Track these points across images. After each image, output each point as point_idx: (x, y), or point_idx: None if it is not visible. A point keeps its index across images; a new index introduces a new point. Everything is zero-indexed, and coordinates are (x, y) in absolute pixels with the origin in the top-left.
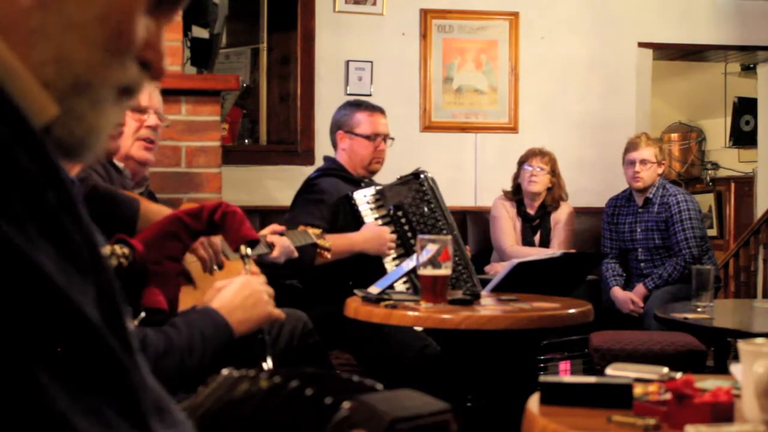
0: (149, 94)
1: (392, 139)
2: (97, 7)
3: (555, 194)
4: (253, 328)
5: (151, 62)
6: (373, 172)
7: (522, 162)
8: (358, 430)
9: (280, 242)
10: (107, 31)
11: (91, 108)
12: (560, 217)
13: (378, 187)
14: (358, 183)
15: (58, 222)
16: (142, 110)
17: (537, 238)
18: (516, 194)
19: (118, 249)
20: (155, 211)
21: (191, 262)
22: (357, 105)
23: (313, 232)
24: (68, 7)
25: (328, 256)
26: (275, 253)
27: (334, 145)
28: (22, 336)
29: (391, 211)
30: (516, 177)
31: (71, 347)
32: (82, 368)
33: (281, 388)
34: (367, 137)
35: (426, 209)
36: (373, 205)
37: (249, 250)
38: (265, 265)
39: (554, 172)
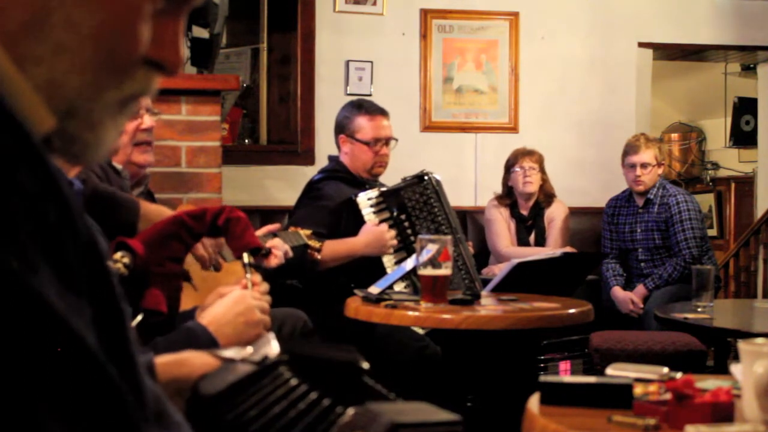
0: None
1: (396, 140)
2: (88, 29)
3: (546, 190)
4: (241, 346)
5: (163, 61)
6: (376, 176)
7: (511, 164)
8: None
9: (279, 248)
10: (102, 53)
11: (86, 128)
12: (554, 215)
13: (381, 189)
14: (361, 185)
15: (58, 242)
16: (134, 114)
17: (532, 238)
18: (508, 197)
19: (118, 257)
20: (155, 211)
21: (191, 263)
22: (358, 107)
23: (303, 232)
24: (56, 31)
25: (319, 256)
26: (273, 262)
27: (338, 146)
28: (22, 366)
29: (395, 214)
30: (505, 181)
31: (70, 378)
32: (79, 399)
33: (305, 395)
34: (367, 143)
35: (429, 212)
36: (376, 208)
37: (252, 259)
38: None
39: (543, 170)
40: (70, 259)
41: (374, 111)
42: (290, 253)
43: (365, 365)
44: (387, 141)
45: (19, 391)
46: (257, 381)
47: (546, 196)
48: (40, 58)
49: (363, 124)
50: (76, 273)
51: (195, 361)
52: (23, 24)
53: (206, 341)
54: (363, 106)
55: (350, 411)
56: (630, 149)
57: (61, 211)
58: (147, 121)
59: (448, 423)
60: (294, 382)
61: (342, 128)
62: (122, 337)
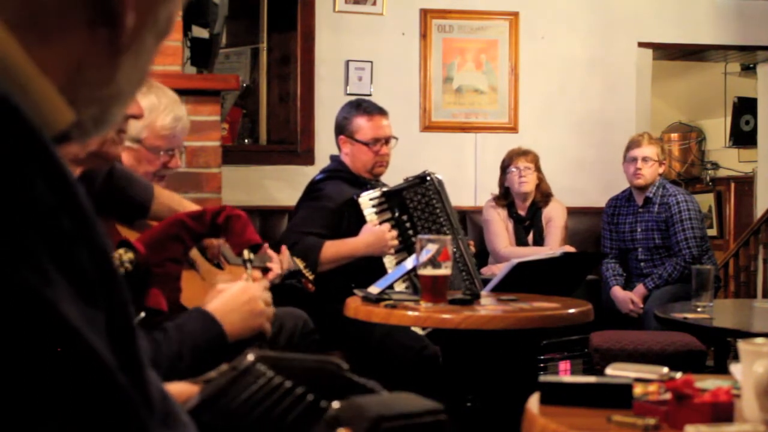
0: (181, 135)
1: (396, 139)
2: (140, 73)
3: (543, 190)
4: (245, 335)
5: None
6: (378, 176)
7: (506, 165)
8: (344, 429)
9: (278, 260)
10: (139, 88)
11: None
12: (551, 214)
13: (383, 189)
14: (363, 185)
15: (73, 253)
16: (170, 153)
17: (530, 237)
18: (505, 198)
19: (123, 254)
20: (168, 195)
21: (196, 256)
22: (357, 107)
23: (298, 262)
24: (121, 80)
25: (311, 288)
26: (271, 276)
27: (338, 147)
28: (35, 377)
29: (396, 214)
30: (502, 181)
31: (82, 388)
32: (92, 410)
33: (290, 392)
34: (367, 144)
35: (431, 212)
36: (378, 208)
37: (252, 255)
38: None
39: (539, 169)
40: (85, 268)
41: (373, 111)
42: (288, 264)
43: (344, 365)
44: (387, 140)
45: (31, 402)
46: (238, 383)
47: (543, 195)
48: (96, 100)
49: (362, 125)
50: (90, 282)
51: (171, 389)
52: (97, 78)
53: (213, 328)
54: (362, 106)
55: (335, 405)
56: (633, 144)
57: (77, 221)
58: (175, 162)
59: (431, 412)
60: (278, 380)
61: (341, 129)
62: (131, 343)
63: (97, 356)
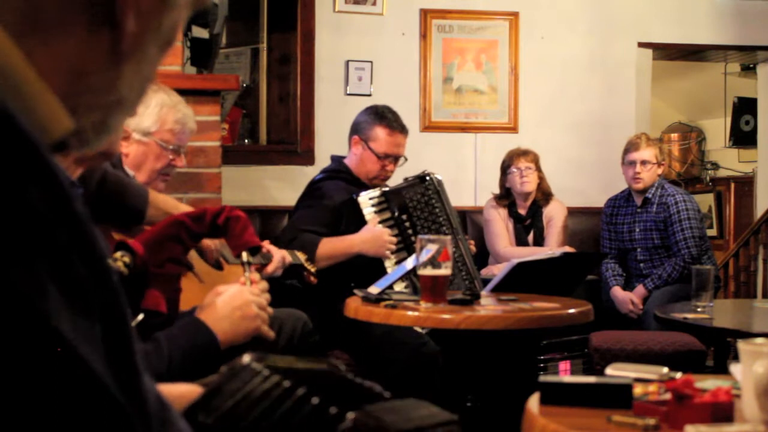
0: (189, 134)
1: (405, 158)
2: (143, 82)
3: (543, 189)
4: (239, 340)
5: None
6: (376, 186)
7: (507, 166)
8: None
9: (277, 254)
10: (142, 97)
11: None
12: (552, 214)
13: (383, 189)
14: (362, 187)
15: (67, 261)
16: (177, 151)
17: (530, 237)
18: (506, 198)
19: (119, 257)
20: (163, 199)
21: (195, 259)
22: (381, 117)
23: (300, 255)
24: (123, 88)
25: (314, 280)
26: (270, 268)
27: (349, 145)
28: (27, 392)
29: (396, 214)
30: (503, 182)
31: (76, 404)
32: (86, 426)
33: (290, 393)
34: (377, 156)
35: (431, 212)
36: (377, 208)
37: (251, 258)
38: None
39: (539, 168)
40: (80, 279)
41: (395, 126)
42: (288, 259)
43: (342, 366)
44: (397, 158)
45: (23, 416)
46: (233, 382)
47: (544, 194)
48: (99, 106)
49: (380, 136)
50: (85, 293)
51: (176, 391)
52: (101, 85)
53: (205, 335)
54: (387, 118)
55: (350, 415)
56: (631, 146)
57: (72, 230)
58: (182, 160)
59: (447, 422)
60: (275, 378)
61: (358, 130)
62: (128, 352)
63: (90, 370)
